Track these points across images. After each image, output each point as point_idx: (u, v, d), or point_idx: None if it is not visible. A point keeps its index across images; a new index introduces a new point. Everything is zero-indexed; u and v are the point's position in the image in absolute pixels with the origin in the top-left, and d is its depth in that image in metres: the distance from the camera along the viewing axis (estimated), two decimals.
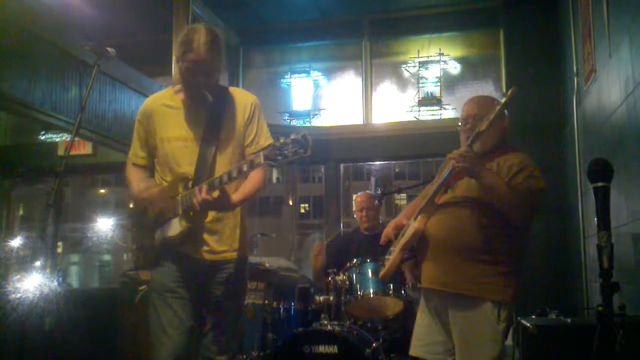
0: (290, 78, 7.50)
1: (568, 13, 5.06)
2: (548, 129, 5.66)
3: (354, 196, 5.74)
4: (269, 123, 2.55)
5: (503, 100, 2.24)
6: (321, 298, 3.87)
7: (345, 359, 3.38)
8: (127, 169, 2.55)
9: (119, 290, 4.64)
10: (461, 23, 6.96)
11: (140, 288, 4.19)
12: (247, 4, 6.76)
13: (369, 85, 7.07)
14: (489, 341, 2.29)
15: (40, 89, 4.25)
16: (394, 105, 7.03)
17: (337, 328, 3.57)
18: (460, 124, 2.52)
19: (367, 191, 4.79)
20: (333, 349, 3.41)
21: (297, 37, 7.47)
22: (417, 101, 6.98)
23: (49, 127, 6.22)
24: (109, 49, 2.68)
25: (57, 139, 6.97)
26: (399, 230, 2.57)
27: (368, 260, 3.79)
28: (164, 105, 2.48)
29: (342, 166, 7.13)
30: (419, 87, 7.02)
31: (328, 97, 7.39)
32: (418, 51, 7.06)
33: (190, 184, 2.33)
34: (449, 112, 6.84)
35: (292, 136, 1.99)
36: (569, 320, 3.19)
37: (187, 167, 2.38)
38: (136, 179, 2.49)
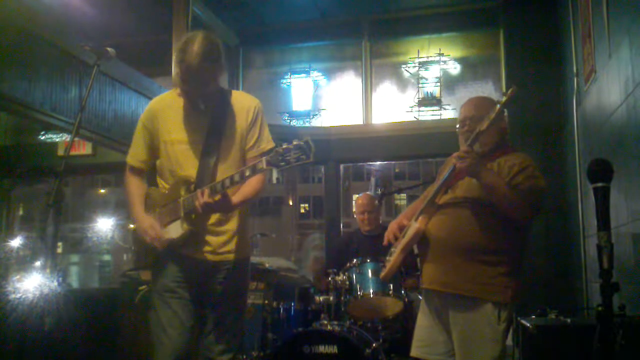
0: (290, 78, 7.50)
1: (568, 13, 5.06)
2: (548, 129, 5.66)
3: (354, 197, 5.74)
4: (269, 123, 2.55)
5: (503, 99, 2.23)
6: (321, 298, 3.88)
7: (345, 359, 3.38)
8: (126, 178, 2.54)
9: (119, 291, 4.64)
10: (461, 23, 6.96)
11: (140, 288, 4.19)
12: (247, 4, 6.76)
13: (369, 86, 7.08)
14: (489, 342, 2.29)
15: (40, 89, 4.25)
16: (394, 105, 7.03)
17: (337, 328, 3.58)
18: (457, 126, 2.52)
19: (368, 192, 4.78)
20: (333, 349, 3.41)
21: (297, 38, 7.47)
22: (417, 101, 6.98)
23: (49, 128, 6.21)
24: (108, 49, 2.68)
25: (57, 139, 6.97)
26: (401, 231, 2.57)
27: (368, 261, 3.79)
28: (167, 108, 2.49)
29: (342, 166, 7.13)
30: (418, 88, 7.02)
31: (328, 98, 7.39)
32: (418, 51, 7.06)
33: (192, 187, 2.34)
34: (448, 113, 6.84)
35: (295, 142, 1.99)
36: (568, 320, 3.19)
37: (189, 170, 2.39)
38: (137, 199, 2.48)
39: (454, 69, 7.05)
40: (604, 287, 1.69)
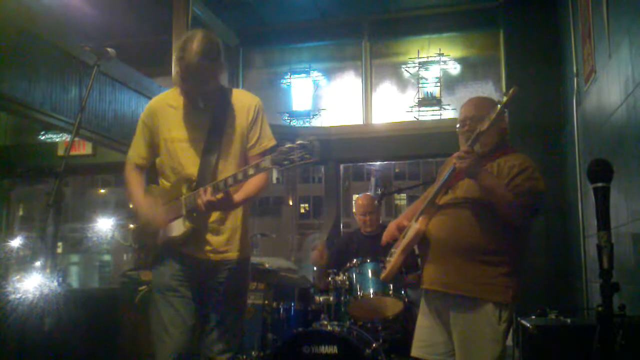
0: (290, 78, 7.50)
1: (568, 14, 5.06)
2: (548, 129, 5.66)
3: (355, 197, 5.74)
4: (269, 124, 2.56)
5: (504, 99, 2.23)
6: (321, 298, 3.88)
7: (345, 359, 3.38)
8: (127, 173, 2.55)
9: (119, 291, 4.64)
10: (461, 24, 6.97)
11: (141, 288, 4.19)
12: (247, 5, 6.76)
13: (369, 86, 7.08)
14: (490, 342, 2.29)
15: (40, 90, 4.25)
16: (394, 105, 7.04)
17: (337, 328, 3.57)
18: (458, 125, 2.52)
19: (368, 193, 4.77)
20: (333, 350, 3.41)
21: (297, 38, 7.48)
22: (417, 101, 6.98)
23: (49, 128, 6.22)
24: (108, 49, 2.68)
25: (57, 139, 6.97)
26: (401, 231, 2.57)
27: (368, 261, 3.79)
28: (167, 106, 2.49)
29: (342, 166, 7.13)
30: (418, 88, 7.03)
31: (328, 98, 7.40)
32: (418, 52, 7.07)
33: (193, 185, 2.34)
34: (448, 113, 6.84)
35: (299, 141, 2.00)
36: (568, 320, 3.19)
37: (191, 168, 2.40)
38: (138, 191, 2.50)
39: (454, 69, 7.05)
40: (604, 287, 1.69)
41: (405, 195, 24.77)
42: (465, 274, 2.32)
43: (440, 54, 6.98)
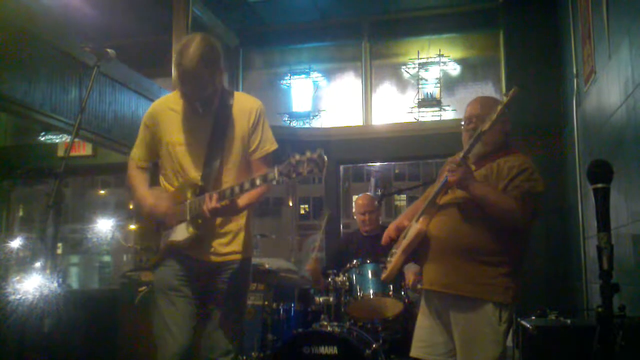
0: (290, 79, 7.50)
1: (568, 15, 5.06)
2: (548, 130, 5.66)
3: (354, 197, 5.73)
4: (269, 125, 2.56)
5: (505, 100, 2.24)
6: (321, 299, 3.87)
7: None
8: (130, 171, 2.56)
9: (119, 292, 4.63)
10: (461, 24, 6.97)
11: (140, 289, 4.19)
12: (247, 5, 6.77)
13: (369, 87, 7.08)
14: (490, 342, 2.28)
15: (40, 90, 4.25)
16: (394, 106, 7.04)
17: (336, 329, 3.57)
18: (463, 123, 2.52)
19: (368, 193, 4.77)
20: (333, 350, 3.41)
21: (297, 38, 7.48)
22: (416, 102, 6.99)
23: (49, 128, 6.22)
24: (108, 50, 2.68)
25: (57, 140, 6.97)
26: (400, 232, 2.57)
27: (368, 261, 3.79)
28: (169, 109, 2.49)
29: (341, 167, 7.13)
30: (418, 89, 7.03)
31: (328, 99, 7.40)
32: (418, 52, 7.07)
33: (198, 190, 2.34)
34: (448, 114, 6.85)
35: (308, 154, 2.00)
36: (568, 321, 3.19)
37: (194, 172, 2.40)
38: (142, 186, 2.51)
39: (454, 70, 7.06)
40: (604, 288, 1.69)
41: (405, 196, 24.73)
42: (466, 274, 2.32)
43: (440, 55, 6.99)
